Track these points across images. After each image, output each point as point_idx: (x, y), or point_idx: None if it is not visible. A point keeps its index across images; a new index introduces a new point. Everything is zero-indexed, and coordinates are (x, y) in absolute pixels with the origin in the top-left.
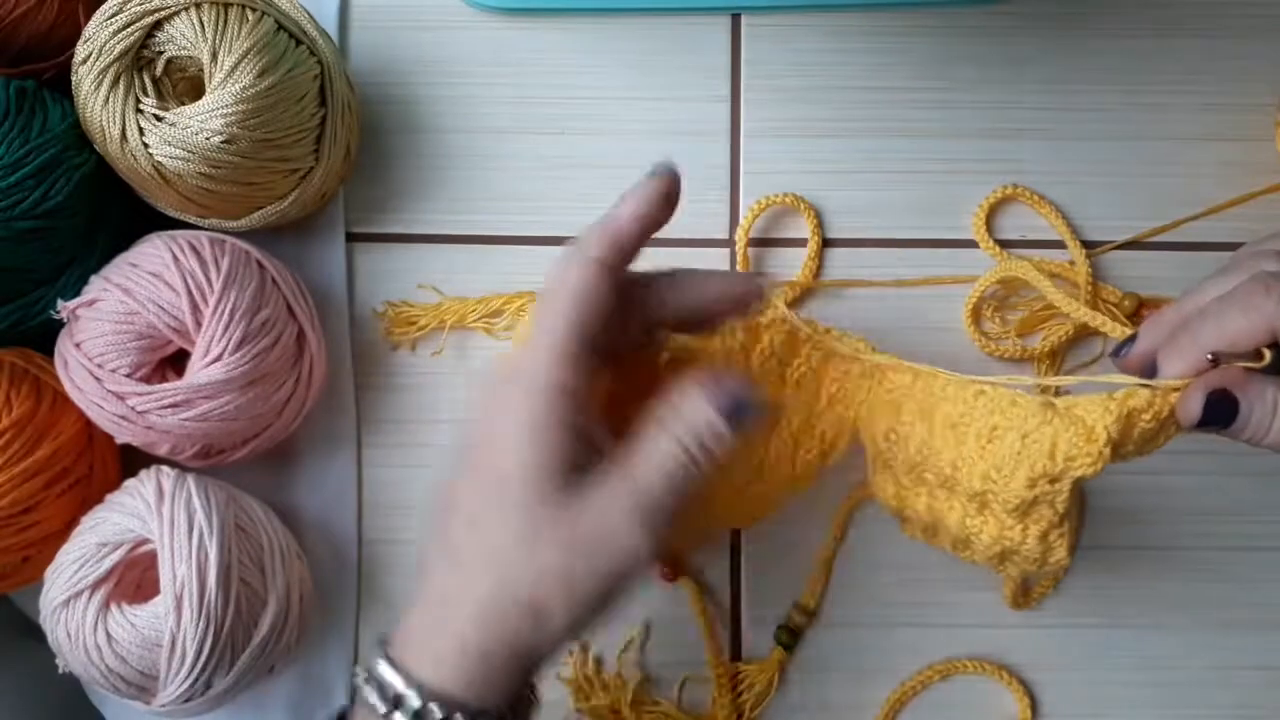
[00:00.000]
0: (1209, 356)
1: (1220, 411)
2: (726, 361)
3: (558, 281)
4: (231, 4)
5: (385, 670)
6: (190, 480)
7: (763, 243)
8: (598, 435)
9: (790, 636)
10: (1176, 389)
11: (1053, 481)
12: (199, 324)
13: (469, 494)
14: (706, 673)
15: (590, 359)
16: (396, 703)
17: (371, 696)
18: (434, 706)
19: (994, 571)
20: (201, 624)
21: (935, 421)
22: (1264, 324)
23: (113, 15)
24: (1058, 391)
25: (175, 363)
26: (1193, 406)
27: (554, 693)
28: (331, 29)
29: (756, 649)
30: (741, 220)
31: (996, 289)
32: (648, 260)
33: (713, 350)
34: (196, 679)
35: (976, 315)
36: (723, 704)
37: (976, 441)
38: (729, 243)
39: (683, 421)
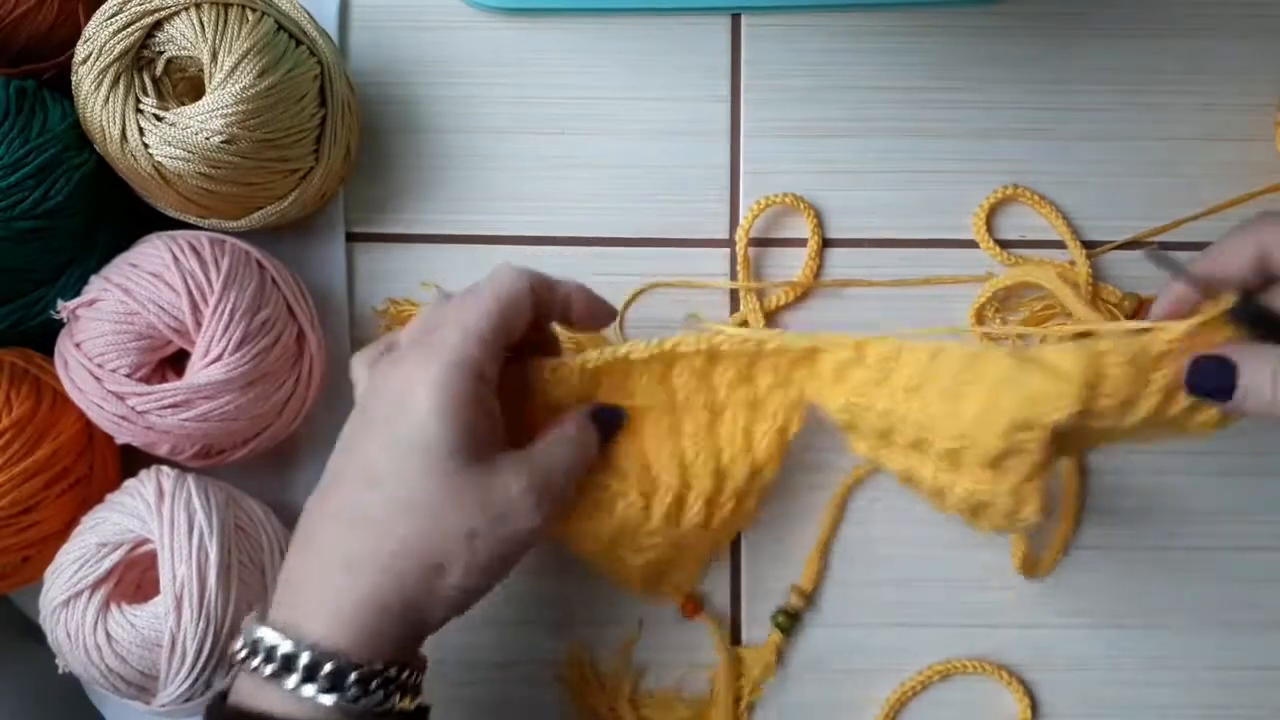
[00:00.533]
0: (1175, 277)
1: (1212, 376)
2: (647, 382)
3: (491, 282)
4: (231, 4)
5: (270, 635)
6: (190, 480)
7: (763, 243)
8: (498, 419)
9: (788, 619)
10: (1149, 329)
11: (1027, 429)
12: (199, 324)
13: (374, 457)
14: (701, 662)
15: (500, 355)
16: (286, 664)
17: (254, 662)
18: (325, 662)
19: (966, 523)
20: (201, 624)
21: (894, 387)
22: (1252, 241)
23: (113, 15)
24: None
25: (175, 363)
26: (1187, 374)
27: (551, 694)
28: (331, 29)
29: (755, 641)
30: (741, 220)
31: (997, 289)
32: (648, 260)
33: (634, 372)
34: (196, 679)
35: (980, 317)
36: (728, 685)
37: (942, 401)
38: (729, 243)
39: (573, 429)
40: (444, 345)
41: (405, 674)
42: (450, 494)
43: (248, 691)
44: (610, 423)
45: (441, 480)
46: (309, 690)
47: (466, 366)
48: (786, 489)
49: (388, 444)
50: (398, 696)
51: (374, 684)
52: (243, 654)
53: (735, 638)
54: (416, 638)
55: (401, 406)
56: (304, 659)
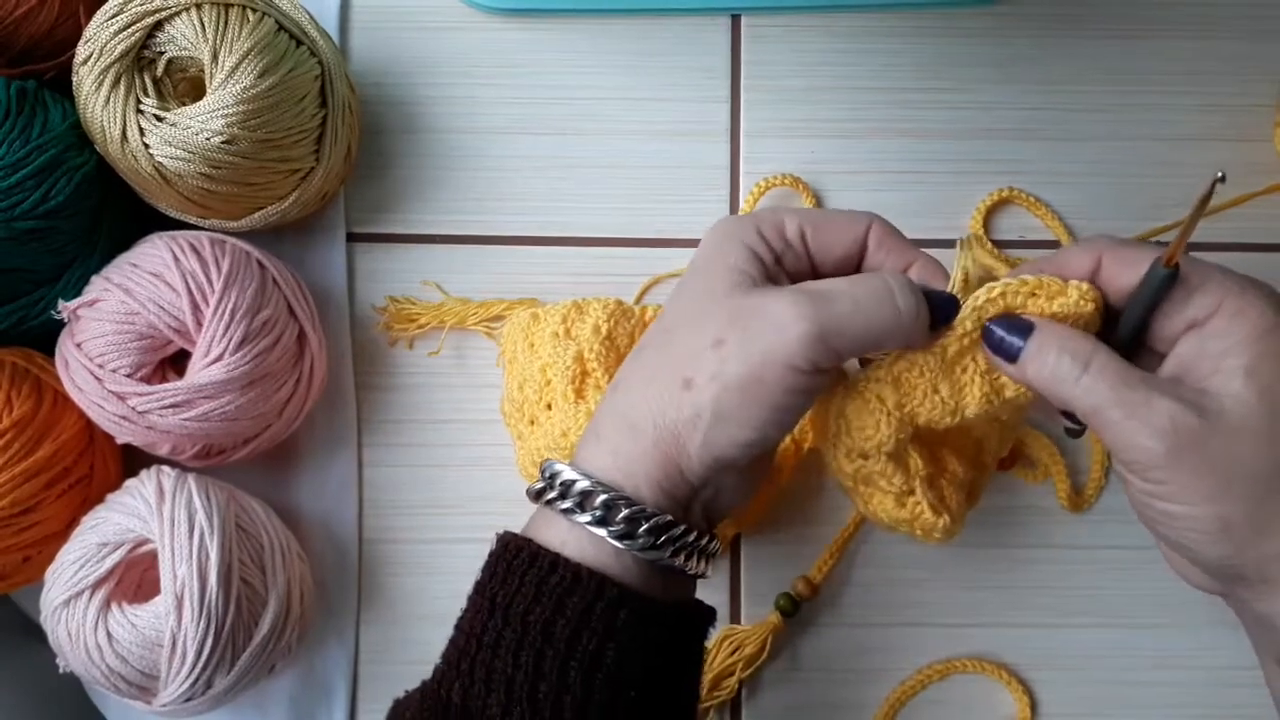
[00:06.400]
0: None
1: (1006, 327)
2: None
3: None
4: (232, 5)
5: (560, 467)
6: (191, 480)
7: None
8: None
9: (790, 603)
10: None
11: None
12: (200, 324)
13: (670, 312)
14: None
15: (799, 243)
16: (552, 483)
17: (538, 485)
18: (579, 481)
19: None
20: (202, 624)
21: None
22: (1094, 253)
23: (114, 16)
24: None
25: (176, 363)
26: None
27: None
28: (332, 30)
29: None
30: (742, 205)
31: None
32: (648, 259)
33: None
34: (197, 679)
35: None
36: (721, 659)
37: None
38: None
39: (892, 274)
40: (733, 227)
41: (681, 529)
42: (705, 309)
43: (536, 526)
44: (941, 306)
45: (701, 300)
46: (579, 514)
47: (750, 219)
48: (791, 488)
49: (680, 299)
50: (665, 545)
51: (628, 509)
52: (539, 486)
53: (735, 619)
54: (678, 474)
55: (699, 269)
56: (562, 475)
